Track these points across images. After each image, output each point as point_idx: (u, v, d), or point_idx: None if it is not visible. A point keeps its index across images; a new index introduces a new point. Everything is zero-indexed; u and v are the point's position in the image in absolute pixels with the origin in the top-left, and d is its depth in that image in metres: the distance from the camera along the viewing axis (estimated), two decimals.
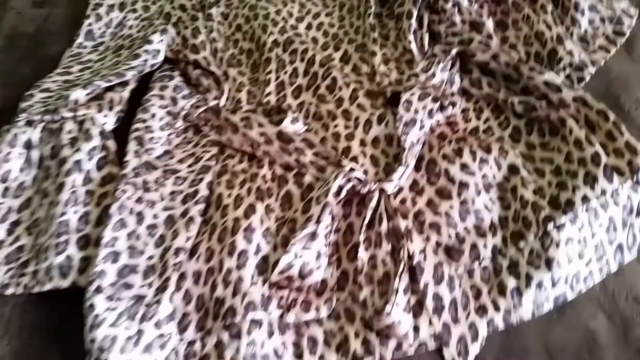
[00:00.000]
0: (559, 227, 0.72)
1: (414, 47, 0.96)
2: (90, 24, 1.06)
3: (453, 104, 0.87)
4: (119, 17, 1.08)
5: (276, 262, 0.70)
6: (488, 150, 0.81)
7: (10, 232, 0.78)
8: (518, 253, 0.72)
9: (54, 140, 0.82)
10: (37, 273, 0.73)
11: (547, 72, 0.84)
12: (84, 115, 0.84)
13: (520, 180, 0.78)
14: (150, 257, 0.73)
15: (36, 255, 0.74)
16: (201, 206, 0.78)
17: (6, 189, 0.80)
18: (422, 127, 0.84)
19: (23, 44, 1.09)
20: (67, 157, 0.79)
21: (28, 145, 0.83)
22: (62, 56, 1.03)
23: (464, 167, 0.79)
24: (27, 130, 0.83)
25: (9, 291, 0.73)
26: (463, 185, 0.78)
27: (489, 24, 0.96)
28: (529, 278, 0.70)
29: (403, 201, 0.78)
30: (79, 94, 0.85)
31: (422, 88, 0.86)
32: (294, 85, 0.94)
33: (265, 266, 0.73)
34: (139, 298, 0.69)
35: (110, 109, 0.87)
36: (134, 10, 1.08)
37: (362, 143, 0.85)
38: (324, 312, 0.70)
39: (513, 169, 0.79)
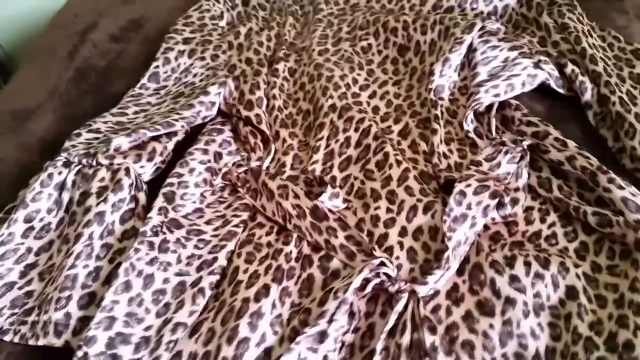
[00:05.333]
0: None
1: (472, 130, 0.86)
2: (157, 67, 1.05)
3: (515, 201, 0.77)
4: (186, 63, 1.06)
5: (278, 359, 0.63)
6: (546, 263, 0.69)
7: (23, 274, 0.76)
8: None
9: (85, 186, 0.80)
10: (36, 325, 0.69)
11: (629, 187, 0.71)
12: (119, 164, 0.81)
13: (577, 308, 0.65)
14: (148, 327, 0.67)
15: (40, 304, 0.71)
16: (215, 278, 0.72)
17: (29, 228, 0.78)
18: (473, 225, 0.73)
19: (91, 78, 1.10)
20: (91, 206, 0.76)
21: (61, 187, 0.81)
22: (124, 95, 1.03)
23: (514, 279, 0.68)
24: (63, 171, 0.81)
25: (7, 338, 0.69)
26: (509, 302, 0.66)
27: None
28: None
29: (436, 308, 0.68)
30: (122, 141, 0.83)
31: (480, 180, 0.76)
32: (343, 157, 0.87)
33: None
34: None
35: (150, 159, 0.84)
36: (202, 59, 1.06)
37: (402, 232, 0.75)
38: None
39: (572, 293, 0.66)
